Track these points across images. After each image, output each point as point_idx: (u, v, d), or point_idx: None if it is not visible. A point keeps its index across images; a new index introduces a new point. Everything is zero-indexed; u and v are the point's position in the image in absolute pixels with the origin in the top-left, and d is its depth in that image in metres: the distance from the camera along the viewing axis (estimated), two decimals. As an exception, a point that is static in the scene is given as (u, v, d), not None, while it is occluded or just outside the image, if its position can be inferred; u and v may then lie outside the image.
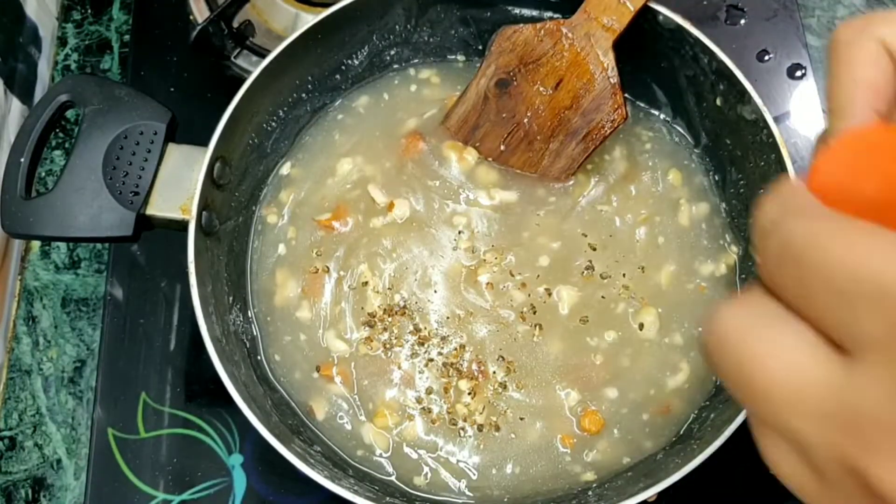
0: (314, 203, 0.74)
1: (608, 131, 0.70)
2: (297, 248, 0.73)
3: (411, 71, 0.80)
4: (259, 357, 0.70)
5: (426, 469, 0.66)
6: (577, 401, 0.67)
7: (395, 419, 0.67)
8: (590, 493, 0.64)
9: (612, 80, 0.69)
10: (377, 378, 0.69)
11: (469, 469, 0.66)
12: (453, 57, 0.80)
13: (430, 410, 0.67)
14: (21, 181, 0.63)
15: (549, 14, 0.75)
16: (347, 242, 0.73)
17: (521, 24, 0.71)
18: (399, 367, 0.69)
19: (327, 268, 0.72)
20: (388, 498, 0.62)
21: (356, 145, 0.77)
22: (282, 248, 0.73)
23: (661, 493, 0.57)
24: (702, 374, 0.68)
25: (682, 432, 0.66)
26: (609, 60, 0.68)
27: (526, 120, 0.72)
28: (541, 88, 0.71)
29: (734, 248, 0.71)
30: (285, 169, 0.76)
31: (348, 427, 0.68)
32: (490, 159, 0.75)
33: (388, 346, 0.69)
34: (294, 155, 0.77)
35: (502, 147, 0.74)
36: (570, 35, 0.69)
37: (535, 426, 0.67)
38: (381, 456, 0.67)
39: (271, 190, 0.76)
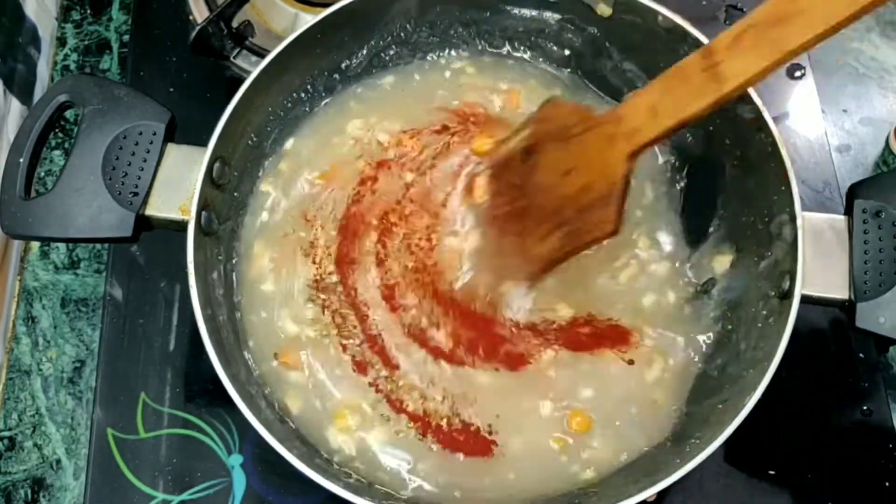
0: (313, 163, 0.75)
1: (589, 239, 0.65)
2: (282, 214, 0.74)
3: (441, 60, 0.80)
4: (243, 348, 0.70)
5: (409, 479, 0.65)
6: (552, 408, 0.67)
7: (357, 421, 0.67)
8: (590, 492, 0.64)
9: (615, 189, 0.63)
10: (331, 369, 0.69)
11: (461, 474, 0.66)
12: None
13: (389, 419, 0.67)
14: (20, 182, 0.63)
15: (549, 14, 0.75)
16: (334, 200, 0.73)
17: (568, 101, 0.70)
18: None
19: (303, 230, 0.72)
20: (387, 499, 0.62)
21: (375, 108, 0.77)
22: (265, 216, 0.73)
23: (660, 493, 0.56)
24: (677, 367, 0.69)
25: (677, 429, 0.66)
26: (621, 169, 0.62)
27: (532, 195, 0.68)
28: (555, 169, 0.67)
29: (731, 249, 0.71)
30: (288, 144, 0.76)
31: (317, 427, 0.67)
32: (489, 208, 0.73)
33: (342, 331, 0.70)
34: (299, 132, 0.77)
35: (505, 208, 0.71)
36: (596, 128, 0.64)
37: (521, 432, 0.67)
38: (356, 461, 0.66)
39: (273, 162, 0.76)
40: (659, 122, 0.59)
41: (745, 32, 0.54)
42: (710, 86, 0.55)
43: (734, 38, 0.54)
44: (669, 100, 0.58)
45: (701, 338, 0.69)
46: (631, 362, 0.69)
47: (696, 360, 0.69)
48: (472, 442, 0.67)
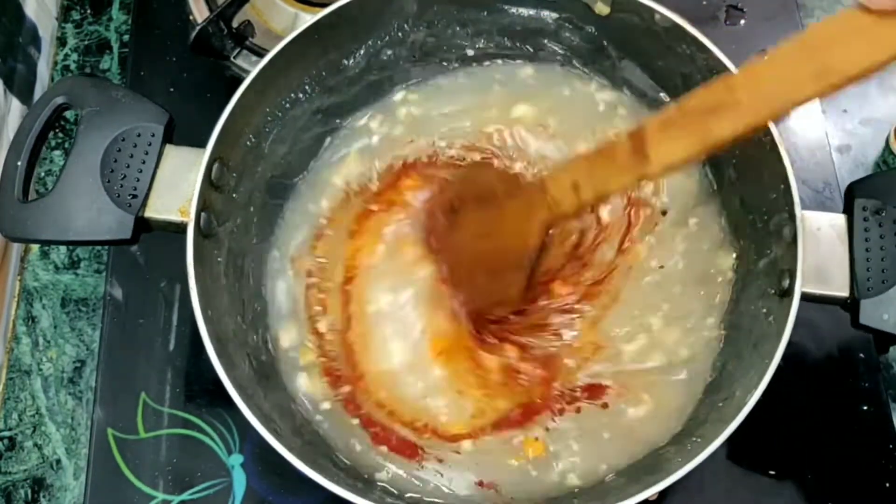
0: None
1: (491, 302, 0.67)
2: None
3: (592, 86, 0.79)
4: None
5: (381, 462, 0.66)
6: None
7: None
8: (586, 494, 0.64)
9: (526, 257, 0.64)
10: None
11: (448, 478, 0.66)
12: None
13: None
14: (18, 184, 0.63)
15: (547, 13, 0.75)
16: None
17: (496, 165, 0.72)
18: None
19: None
20: (388, 498, 0.62)
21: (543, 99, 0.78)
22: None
23: (661, 492, 0.56)
24: (671, 407, 0.67)
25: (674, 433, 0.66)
26: (535, 238, 0.64)
27: (449, 251, 0.70)
28: (474, 230, 0.68)
29: (733, 250, 0.71)
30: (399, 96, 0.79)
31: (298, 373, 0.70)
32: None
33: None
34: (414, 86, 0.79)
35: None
36: (519, 196, 0.66)
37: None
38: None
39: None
40: (579, 196, 0.60)
41: (676, 118, 0.55)
42: (635, 166, 0.56)
43: (664, 123, 0.55)
44: (593, 176, 0.60)
45: (704, 373, 0.68)
46: (605, 406, 0.67)
47: (695, 396, 0.67)
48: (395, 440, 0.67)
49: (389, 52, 0.77)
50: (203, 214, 0.64)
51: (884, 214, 0.62)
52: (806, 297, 0.60)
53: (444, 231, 0.70)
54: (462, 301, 0.68)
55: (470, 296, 0.68)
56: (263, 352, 0.70)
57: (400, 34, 0.76)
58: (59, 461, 0.78)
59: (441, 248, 0.70)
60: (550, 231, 0.65)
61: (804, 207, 0.62)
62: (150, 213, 0.64)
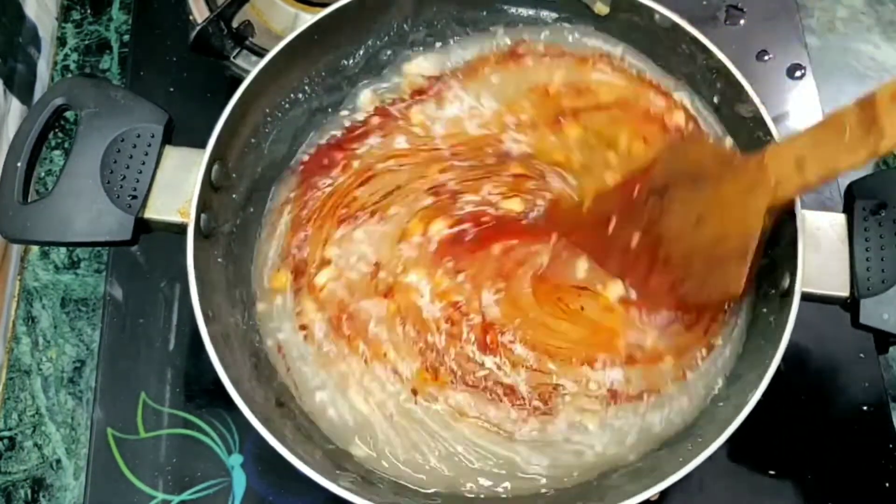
0: None
1: (713, 297, 0.64)
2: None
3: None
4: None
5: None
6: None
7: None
8: (593, 485, 0.64)
9: (750, 245, 0.59)
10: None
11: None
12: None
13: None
14: (18, 186, 0.63)
15: (546, 13, 0.75)
16: None
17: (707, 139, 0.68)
18: None
19: None
20: (388, 497, 0.62)
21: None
22: None
23: (662, 492, 0.56)
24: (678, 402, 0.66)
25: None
26: (759, 223, 0.58)
27: (660, 238, 0.65)
28: (686, 215, 0.63)
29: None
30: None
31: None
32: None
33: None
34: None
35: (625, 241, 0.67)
36: (735, 174, 0.60)
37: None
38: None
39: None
40: (805, 175, 0.56)
41: None
42: (867, 140, 0.52)
43: None
44: (819, 152, 0.55)
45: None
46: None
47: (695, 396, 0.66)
48: None
49: (389, 52, 0.77)
50: (203, 215, 0.64)
51: (884, 214, 0.62)
52: (806, 297, 0.60)
53: (651, 213, 0.64)
54: (673, 290, 0.64)
55: (685, 287, 0.63)
56: (263, 351, 0.70)
57: (399, 34, 0.76)
58: (59, 461, 0.78)
59: (648, 233, 0.65)
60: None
61: (804, 207, 0.62)
62: (149, 213, 0.64)
